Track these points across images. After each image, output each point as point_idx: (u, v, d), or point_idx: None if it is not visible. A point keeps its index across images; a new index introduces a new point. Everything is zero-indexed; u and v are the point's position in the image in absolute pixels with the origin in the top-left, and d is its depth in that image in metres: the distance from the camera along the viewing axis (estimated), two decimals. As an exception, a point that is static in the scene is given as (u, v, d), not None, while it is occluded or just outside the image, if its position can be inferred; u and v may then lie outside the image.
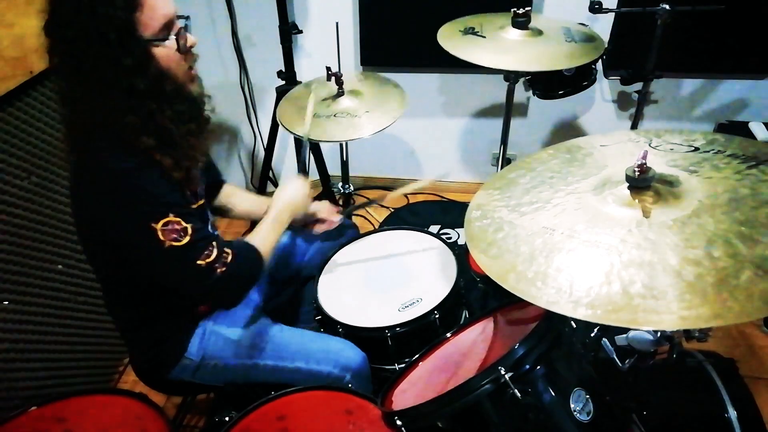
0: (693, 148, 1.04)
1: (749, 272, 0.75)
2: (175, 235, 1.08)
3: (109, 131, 1.09)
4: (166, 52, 1.09)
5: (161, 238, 1.07)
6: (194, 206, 1.24)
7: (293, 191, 1.43)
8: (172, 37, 1.09)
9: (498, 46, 1.72)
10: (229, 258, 1.15)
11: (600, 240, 0.87)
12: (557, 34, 1.78)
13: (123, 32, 1.03)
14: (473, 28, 1.78)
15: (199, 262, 1.11)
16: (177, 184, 1.15)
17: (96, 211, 1.12)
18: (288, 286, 1.69)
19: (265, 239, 1.30)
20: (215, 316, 1.38)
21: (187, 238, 1.09)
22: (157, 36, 1.07)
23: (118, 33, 1.03)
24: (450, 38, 1.76)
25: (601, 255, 0.85)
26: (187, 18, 1.18)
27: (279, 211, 1.37)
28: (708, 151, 1.02)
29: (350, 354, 1.38)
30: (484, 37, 1.75)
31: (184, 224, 1.10)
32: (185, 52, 1.12)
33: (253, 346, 1.36)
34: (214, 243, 1.14)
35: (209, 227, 1.32)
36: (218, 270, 1.13)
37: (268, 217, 1.35)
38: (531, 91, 2.02)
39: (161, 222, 1.07)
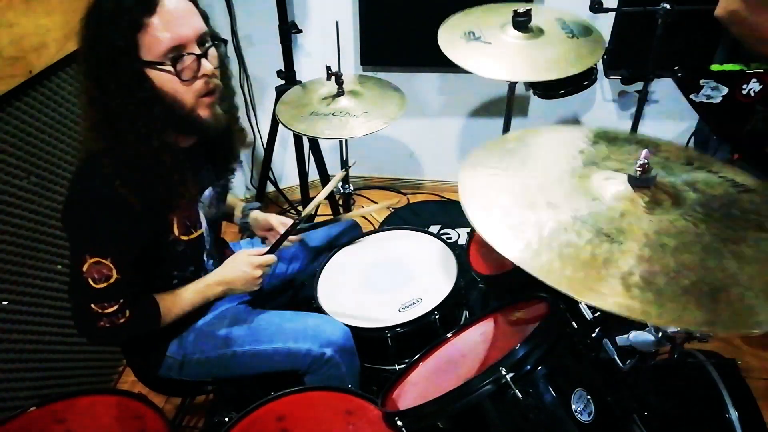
0: (687, 162, 1.05)
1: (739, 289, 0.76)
2: (97, 276, 1.10)
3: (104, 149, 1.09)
4: (166, 77, 1.07)
5: (84, 269, 1.09)
6: (188, 238, 1.25)
7: (232, 269, 1.33)
8: (170, 66, 1.06)
9: (502, 53, 1.68)
10: (121, 321, 1.15)
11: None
12: (557, 31, 1.75)
13: (117, 53, 1.02)
14: (474, 33, 1.74)
15: (93, 305, 1.12)
16: (148, 220, 1.14)
17: (66, 218, 1.15)
18: (288, 289, 1.68)
19: (178, 306, 1.27)
20: (191, 312, 1.36)
21: (103, 285, 1.11)
22: (159, 59, 1.05)
23: (112, 52, 1.02)
24: (453, 46, 1.72)
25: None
26: (223, 41, 1.18)
27: (208, 285, 1.31)
28: (702, 169, 1.03)
29: (328, 328, 1.36)
30: (490, 43, 1.71)
31: (114, 274, 1.12)
32: (188, 80, 1.09)
33: (229, 335, 1.35)
34: (122, 301, 1.15)
35: (204, 257, 1.35)
36: (100, 323, 1.14)
37: (198, 284, 1.30)
38: (531, 91, 2.01)
39: (95, 259, 1.10)
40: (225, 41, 1.20)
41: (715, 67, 1.55)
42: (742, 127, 1.54)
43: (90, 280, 1.10)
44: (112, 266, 1.11)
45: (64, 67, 1.72)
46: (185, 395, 1.79)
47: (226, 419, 1.25)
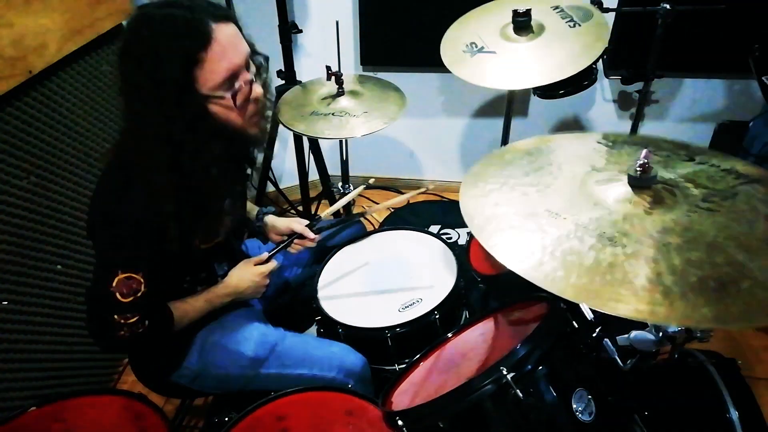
0: (688, 158, 1.05)
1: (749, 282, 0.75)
2: (125, 290, 1.11)
3: (145, 175, 1.09)
4: (222, 107, 1.08)
5: (114, 283, 1.09)
6: (207, 246, 1.27)
7: (240, 280, 1.36)
8: (228, 95, 1.07)
9: (510, 61, 1.66)
10: (140, 330, 1.16)
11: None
12: (558, 23, 1.71)
13: (179, 91, 1.03)
14: (476, 44, 1.72)
15: (115, 316, 1.12)
16: (180, 234, 1.15)
17: (100, 231, 1.15)
18: (288, 292, 1.68)
19: (189, 316, 1.28)
20: (215, 327, 1.37)
21: (129, 299, 1.11)
22: (216, 90, 1.06)
23: (176, 88, 1.02)
24: (460, 63, 1.69)
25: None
26: (266, 59, 1.20)
27: (218, 296, 1.33)
28: (704, 164, 1.03)
29: (352, 358, 1.37)
30: (495, 52, 1.68)
31: (142, 288, 1.12)
32: (243, 106, 1.11)
33: (256, 356, 1.35)
34: (142, 313, 1.15)
35: (215, 264, 1.37)
36: (121, 332, 1.14)
37: (208, 294, 1.32)
38: (531, 91, 2.01)
39: (127, 274, 1.10)
40: (267, 57, 1.21)
41: None
42: None
43: (118, 294, 1.10)
44: (142, 280, 1.12)
45: (64, 67, 1.72)
46: (186, 397, 1.79)
47: (226, 419, 1.25)
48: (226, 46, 1.05)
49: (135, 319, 1.14)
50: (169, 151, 1.07)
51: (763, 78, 1.49)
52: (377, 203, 2.87)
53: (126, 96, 1.09)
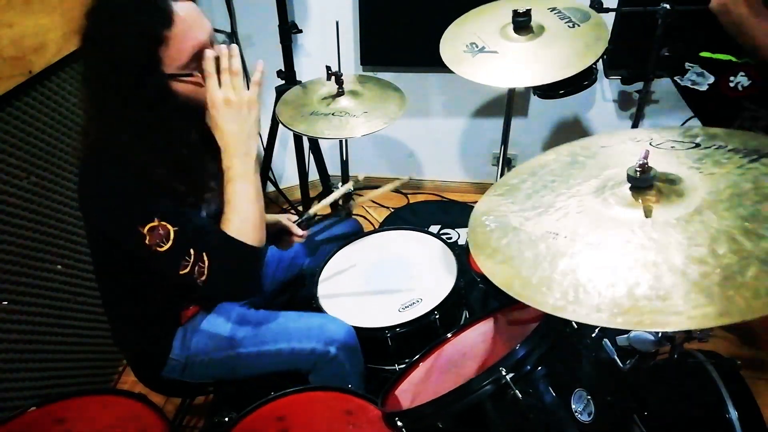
0: (694, 145, 1.03)
1: (755, 268, 0.74)
2: (158, 240, 1.07)
3: (117, 155, 1.08)
4: (190, 84, 1.08)
5: (147, 242, 1.06)
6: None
7: (240, 124, 1.11)
8: (197, 74, 1.07)
9: (512, 60, 1.66)
10: (205, 268, 1.07)
11: (603, 242, 0.87)
12: (557, 24, 1.72)
13: (143, 71, 1.02)
14: (476, 45, 1.72)
15: (181, 272, 1.08)
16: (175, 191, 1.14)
17: (96, 216, 1.15)
18: (291, 287, 1.68)
19: (245, 218, 1.11)
20: (196, 317, 1.37)
21: (168, 245, 1.06)
22: (182, 70, 1.06)
23: (135, 71, 1.02)
24: (461, 63, 1.69)
25: (606, 257, 0.84)
26: (229, 36, 1.18)
27: (244, 167, 1.11)
28: (709, 147, 1.01)
29: (332, 327, 1.36)
30: (496, 52, 1.68)
31: (168, 227, 1.07)
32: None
33: (234, 336, 1.34)
34: (192, 251, 1.07)
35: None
36: (198, 280, 1.08)
37: (233, 180, 1.11)
38: (531, 91, 2.01)
39: (148, 226, 1.06)
40: (227, 33, 1.21)
41: (704, 54, 1.53)
42: (731, 123, 1.53)
43: (158, 249, 1.06)
44: (165, 223, 1.06)
45: (64, 67, 1.72)
46: (186, 396, 1.79)
47: (226, 419, 1.25)
48: (191, 23, 1.05)
49: (190, 264, 1.07)
50: (138, 132, 1.07)
51: (675, 78, 1.52)
52: (377, 203, 2.88)
53: (90, 83, 1.09)
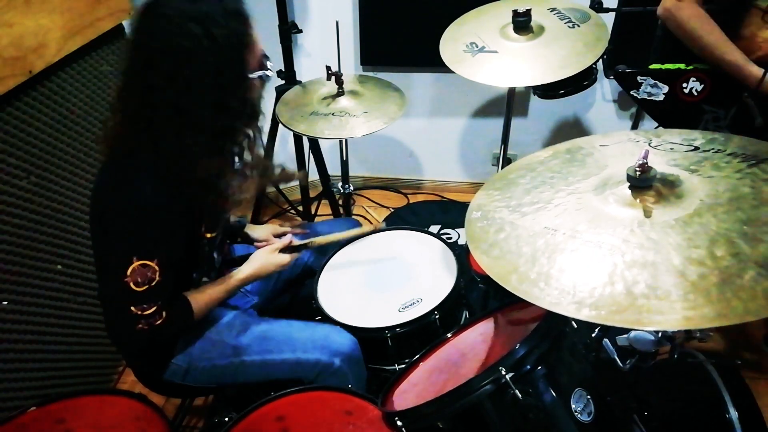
0: (693, 148, 1.04)
1: (753, 272, 0.74)
2: (140, 279, 1.10)
3: (160, 161, 1.09)
4: (257, 87, 1.10)
5: (128, 272, 1.08)
6: (210, 236, 1.27)
7: (261, 265, 1.38)
8: (265, 71, 1.09)
9: (512, 59, 1.66)
10: (158, 322, 1.14)
11: (602, 240, 0.87)
12: (557, 24, 1.72)
13: (241, 78, 1.04)
14: (476, 44, 1.71)
15: (132, 308, 1.11)
16: (194, 217, 1.16)
17: (107, 222, 1.15)
18: (292, 287, 1.68)
19: (209, 303, 1.29)
20: (199, 323, 1.36)
21: (143, 288, 1.10)
22: (256, 71, 1.07)
23: (233, 77, 1.03)
24: (461, 62, 1.69)
25: (604, 255, 0.84)
26: None
27: (237, 280, 1.34)
28: (708, 150, 1.01)
29: (337, 338, 1.36)
30: (496, 51, 1.68)
31: (157, 276, 1.11)
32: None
33: (238, 344, 1.35)
34: (159, 303, 1.14)
35: (214, 254, 1.36)
36: (139, 325, 1.13)
37: (228, 281, 1.32)
38: (531, 91, 2.01)
39: (142, 262, 1.09)
40: None
41: (653, 66, 1.57)
42: (696, 127, 1.55)
43: (132, 284, 1.09)
44: (157, 268, 1.11)
45: (64, 67, 1.72)
46: (186, 397, 1.79)
47: (226, 419, 1.25)
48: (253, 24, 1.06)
49: (152, 309, 1.12)
50: (208, 138, 1.08)
51: (632, 93, 1.57)
52: (377, 203, 2.89)
53: (173, 92, 1.05)
